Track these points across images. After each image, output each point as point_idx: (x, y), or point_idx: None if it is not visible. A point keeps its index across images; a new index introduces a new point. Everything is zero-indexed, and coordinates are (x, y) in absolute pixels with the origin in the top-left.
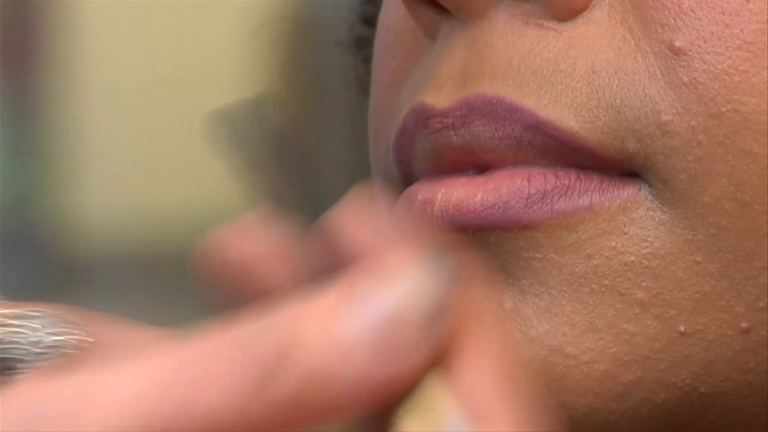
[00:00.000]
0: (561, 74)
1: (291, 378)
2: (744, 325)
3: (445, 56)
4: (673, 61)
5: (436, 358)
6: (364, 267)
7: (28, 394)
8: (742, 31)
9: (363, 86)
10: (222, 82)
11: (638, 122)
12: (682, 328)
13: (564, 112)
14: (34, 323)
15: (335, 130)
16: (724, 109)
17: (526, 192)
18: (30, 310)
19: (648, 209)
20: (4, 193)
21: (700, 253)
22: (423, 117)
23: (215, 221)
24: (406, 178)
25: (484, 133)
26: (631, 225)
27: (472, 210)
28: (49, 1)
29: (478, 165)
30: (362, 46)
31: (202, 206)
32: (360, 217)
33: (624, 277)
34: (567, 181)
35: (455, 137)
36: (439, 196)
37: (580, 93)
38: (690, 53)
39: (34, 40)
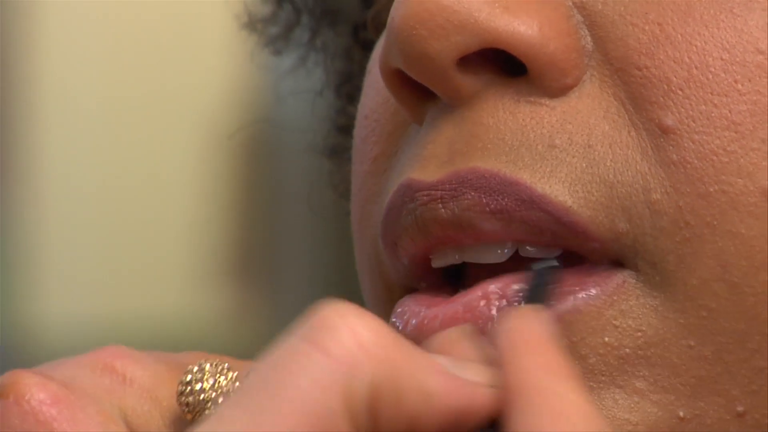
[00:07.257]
0: (556, 149)
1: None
2: (740, 408)
3: (433, 136)
4: (662, 140)
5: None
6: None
7: None
8: (730, 111)
9: (338, 191)
10: (178, 193)
11: (628, 199)
12: (681, 413)
13: (558, 187)
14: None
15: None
16: (711, 190)
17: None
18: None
19: (638, 297)
20: None
21: (692, 336)
22: (410, 191)
23: (173, 330)
24: (395, 260)
25: (475, 207)
26: (621, 317)
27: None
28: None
29: (462, 243)
30: (337, 152)
31: (160, 316)
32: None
33: (621, 371)
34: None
35: (443, 210)
36: (426, 321)
37: (576, 167)
38: (679, 132)
39: None
